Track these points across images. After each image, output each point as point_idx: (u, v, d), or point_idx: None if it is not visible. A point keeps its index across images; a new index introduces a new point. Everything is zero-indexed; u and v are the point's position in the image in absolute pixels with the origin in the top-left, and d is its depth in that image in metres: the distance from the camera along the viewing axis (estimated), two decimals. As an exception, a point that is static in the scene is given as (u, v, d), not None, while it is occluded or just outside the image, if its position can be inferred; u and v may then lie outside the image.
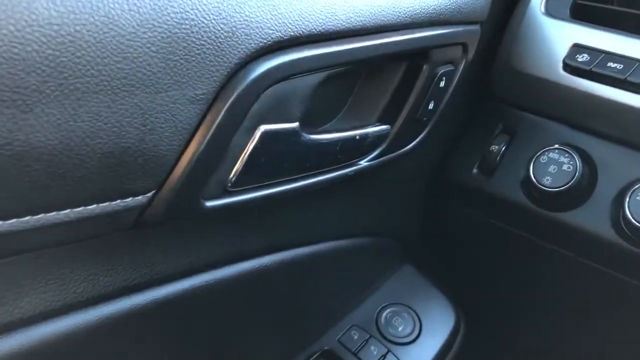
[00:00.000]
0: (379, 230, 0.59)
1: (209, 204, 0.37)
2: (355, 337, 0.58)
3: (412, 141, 0.52)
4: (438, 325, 0.60)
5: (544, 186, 0.53)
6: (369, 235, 0.58)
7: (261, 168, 0.39)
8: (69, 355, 0.35)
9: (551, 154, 0.54)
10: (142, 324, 0.40)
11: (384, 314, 0.60)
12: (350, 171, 0.47)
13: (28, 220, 0.29)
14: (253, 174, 0.39)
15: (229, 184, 0.38)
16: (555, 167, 0.53)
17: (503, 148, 0.58)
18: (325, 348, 0.57)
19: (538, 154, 0.54)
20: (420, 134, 0.53)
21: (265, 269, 0.48)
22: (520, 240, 0.58)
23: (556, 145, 0.53)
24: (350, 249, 0.57)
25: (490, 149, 0.59)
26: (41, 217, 0.30)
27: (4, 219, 0.28)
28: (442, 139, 0.60)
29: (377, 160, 0.49)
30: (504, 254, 0.62)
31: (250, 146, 0.36)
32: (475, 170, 0.59)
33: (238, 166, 0.37)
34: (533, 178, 0.53)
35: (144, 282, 0.39)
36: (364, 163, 0.48)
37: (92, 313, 0.36)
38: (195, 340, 0.46)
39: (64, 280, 0.35)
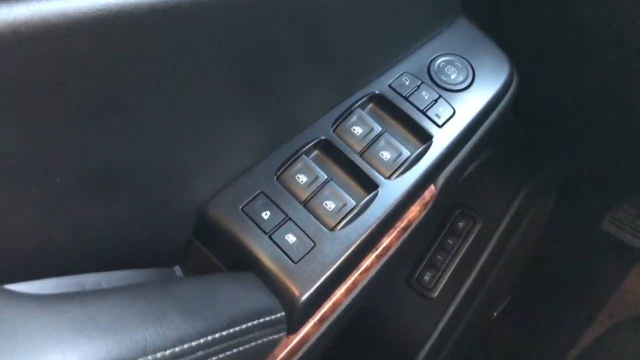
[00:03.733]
0: None
1: None
2: (407, 83, 0.57)
3: None
4: (491, 76, 0.59)
5: None
6: None
7: None
8: None
9: None
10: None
11: (437, 63, 0.59)
12: None
13: None
14: None
15: None
16: None
17: None
18: (376, 92, 0.56)
19: None
20: None
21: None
22: None
23: None
24: None
25: None
26: None
27: None
28: None
29: None
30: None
31: None
32: None
33: None
34: None
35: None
36: None
37: None
38: (242, 60, 0.44)
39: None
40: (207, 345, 0.40)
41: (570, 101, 0.78)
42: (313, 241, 0.49)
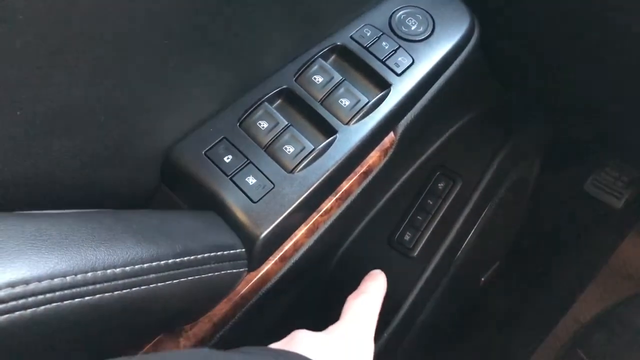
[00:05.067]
0: None
1: None
2: (368, 34, 0.59)
3: None
4: (452, 27, 0.60)
5: None
6: None
7: None
8: None
9: None
10: None
11: (398, 15, 0.60)
12: None
13: None
14: None
15: None
16: None
17: None
18: (338, 43, 0.58)
19: None
20: None
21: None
22: None
23: None
24: None
25: None
26: None
27: None
28: None
29: None
30: None
31: None
32: None
33: None
34: None
35: None
36: None
37: None
38: (204, 8, 0.46)
39: None
40: (160, 269, 0.42)
41: (549, 64, 0.79)
42: (272, 183, 0.52)
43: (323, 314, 0.87)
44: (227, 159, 0.52)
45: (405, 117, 0.59)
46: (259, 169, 0.52)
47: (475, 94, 0.87)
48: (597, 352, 1.05)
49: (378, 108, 0.56)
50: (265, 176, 0.52)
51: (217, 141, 0.53)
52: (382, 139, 0.58)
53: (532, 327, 1.20)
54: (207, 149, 0.52)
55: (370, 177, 0.58)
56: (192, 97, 0.52)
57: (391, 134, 0.59)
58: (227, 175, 0.51)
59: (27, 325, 0.34)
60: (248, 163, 0.52)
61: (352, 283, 0.88)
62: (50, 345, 0.37)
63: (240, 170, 0.52)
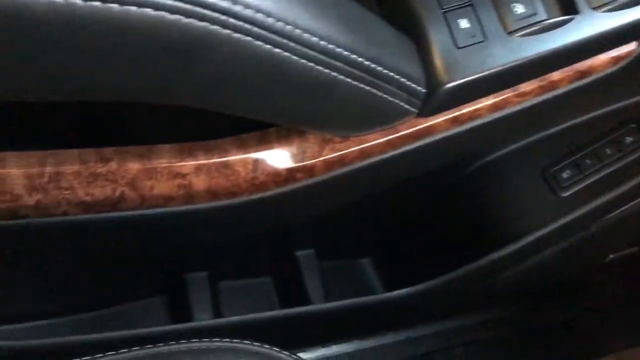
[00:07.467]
0: None
1: None
2: None
3: None
4: None
5: None
6: None
7: None
8: None
9: None
10: None
11: None
12: None
13: None
14: None
15: None
16: None
17: None
18: None
19: None
20: None
21: None
22: None
23: None
24: None
25: None
26: None
27: None
28: None
29: None
30: None
31: None
32: None
33: None
34: None
35: None
36: None
37: None
38: None
39: None
40: (348, 62, 0.40)
41: None
42: (485, 36, 0.46)
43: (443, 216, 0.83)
44: None
45: (660, 33, 0.50)
46: (477, 16, 0.46)
47: None
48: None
49: (637, 7, 0.47)
50: (481, 26, 0.46)
51: None
52: (622, 43, 0.49)
53: (631, 329, 1.11)
54: None
55: (584, 81, 0.51)
56: None
57: (633, 44, 0.50)
58: (441, 9, 0.46)
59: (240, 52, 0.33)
60: (468, 4, 0.47)
61: (487, 195, 0.83)
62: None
63: (458, 8, 0.47)
